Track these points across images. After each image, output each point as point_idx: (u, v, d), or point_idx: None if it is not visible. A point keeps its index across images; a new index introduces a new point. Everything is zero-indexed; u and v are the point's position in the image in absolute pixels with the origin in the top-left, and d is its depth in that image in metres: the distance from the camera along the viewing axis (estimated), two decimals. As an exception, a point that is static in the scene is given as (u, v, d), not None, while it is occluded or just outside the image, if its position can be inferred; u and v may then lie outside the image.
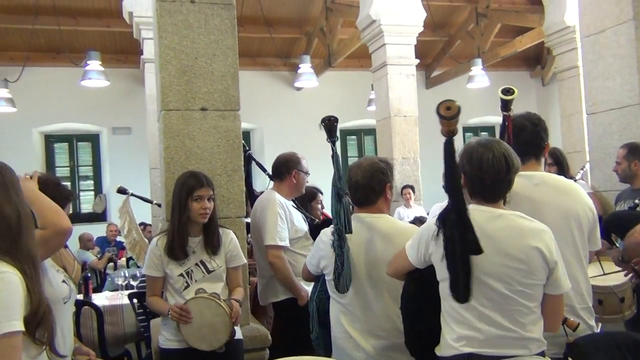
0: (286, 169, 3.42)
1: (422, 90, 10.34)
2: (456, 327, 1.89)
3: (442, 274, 1.93)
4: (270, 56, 10.07)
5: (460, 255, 1.83)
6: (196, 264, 2.70)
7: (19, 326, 1.53)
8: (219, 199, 3.07)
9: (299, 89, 10.10)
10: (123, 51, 9.30)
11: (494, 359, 1.83)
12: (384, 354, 2.32)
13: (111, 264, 7.45)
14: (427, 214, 6.99)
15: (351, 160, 11.02)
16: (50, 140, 9.83)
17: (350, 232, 2.31)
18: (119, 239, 7.99)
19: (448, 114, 1.81)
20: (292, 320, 3.21)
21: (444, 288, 1.93)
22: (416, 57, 7.02)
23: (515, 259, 1.84)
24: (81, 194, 9.98)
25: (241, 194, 3.17)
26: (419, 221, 5.79)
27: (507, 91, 2.19)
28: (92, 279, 5.21)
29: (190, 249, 2.69)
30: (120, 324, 4.45)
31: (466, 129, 11.14)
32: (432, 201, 7.92)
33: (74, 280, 2.45)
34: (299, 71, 8.36)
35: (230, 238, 2.80)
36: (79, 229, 8.61)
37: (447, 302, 1.93)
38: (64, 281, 2.19)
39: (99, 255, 7.67)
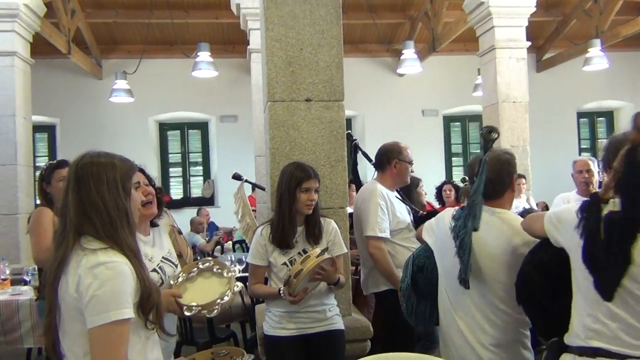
0: (386, 159, 3.39)
1: (533, 73, 9.80)
2: (586, 319, 1.84)
3: (579, 264, 1.84)
4: (373, 42, 9.98)
5: (614, 260, 1.74)
6: (299, 253, 2.74)
7: (129, 314, 1.62)
8: (322, 189, 3.09)
9: (401, 75, 9.94)
10: (231, 42, 9.62)
11: (620, 357, 1.76)
12: (492, 350, 2.27)
13: (218, 247, 7.79)
14: (537, 205, 6.67)
15: (455, 148, 10.73)
16: (164, 128, 10.39)
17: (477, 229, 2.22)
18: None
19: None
20: (392, 311, 3.18)
21: (579, 277, 1.86)
22: (527, 39, 6.66)
23: None
24: (191, 179, 10.48)
25: (344, 184, 3.18)
26: (527, 214, 5.52)
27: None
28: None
29: (295, 239, 2.73)
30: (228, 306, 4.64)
31: (581, 115, 10.47)
32: (541, 192, 7.57)
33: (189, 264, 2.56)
34: (402, 57, 8.20)
35: (331, 227, 2.81)
36: (190, 213, 9.09)
37: (580, 293, 1.87)
38: (154, 270, 2.29)
39: (207, 239, 8.05)
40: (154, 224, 2.44)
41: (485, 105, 6.97)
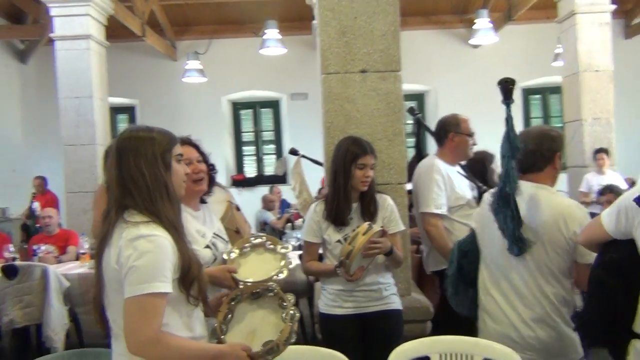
0: (444, 132, 3.21)
1: (620, 40, 9.10)
2: None
3: None
4: (446, 13, 9.60)
5: None
6: (354, 230, 2.65)
7: (165, 288, 1.60)
8: (379, 164, 2.98)
9: (476, 46, 9.53)
10: (299, 18, 9.56)
11: None
12: (530, 325, 2.22)
13: (289, 224, 7.85)
14: (625, 181, 6.20)
15: (534, 122, 10.20)
16: (236, 107, 10.54)
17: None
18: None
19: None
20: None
21: None
22: (612, 3, 6.15)
23: None
24: (264, 157, 10.60)
25: (402, 159, 3.05)
26: (609, 190, 5.14)
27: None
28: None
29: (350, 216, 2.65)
30: (292, 280, 4.64)
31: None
32: (628, 167, 7.05)
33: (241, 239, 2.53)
34: (475, 27, 7.84)
35: (387, 204, 2.70)
36: (263, 191, 9.21)
37: None
38: (207, 246, 2.27)
39: (279, 216, 8.13)
40: (202, 201, 2.43)
41: (565, 75, 6.55)
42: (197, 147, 2.42)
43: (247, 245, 2.34)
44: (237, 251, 2.31)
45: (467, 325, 2.76)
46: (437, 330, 3.03)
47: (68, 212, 6.28)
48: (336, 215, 2.62)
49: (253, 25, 8.54)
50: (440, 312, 3.16)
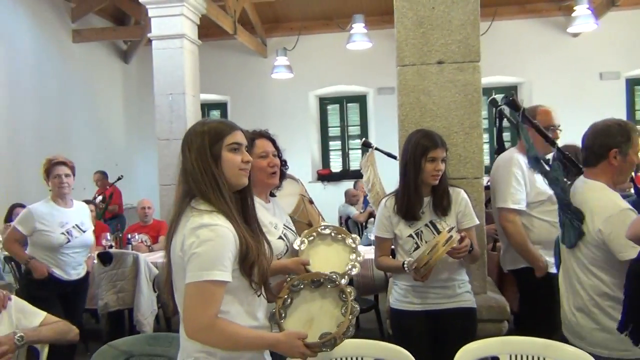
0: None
1: None
2: None
3: None
4: (542, 1, 9.14)
5: None
6: (426, 225, 2.60)
7: (223, 276, 1.63)
8: (455, 158, 2.91)
9: (575, 35, 8.99)
10: (385, 12, 9.46)
11: None
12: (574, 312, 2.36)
13: (372, 218, 7.82)
14: None
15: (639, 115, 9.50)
16: (323, 102, 10.63)
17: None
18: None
19: None
20: (530, 290, 2.92)
21: None
22: None
23: None
24: (350, 152, 10.62)
25: (480, 153, 2.95)
26: None
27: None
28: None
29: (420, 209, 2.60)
30: (370, 275, 4.63)
31: None
32: None
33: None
34: (573, 14, 7.39)
35: (461, 197, 2.62)
36: (348, 185, 9.23)
37: None
38: (280, 237, 2.30)
39: (362, 210, 8.12)
40: (272, 194, 2.47)
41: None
42: (273, 141, 2.46)
43: (313, 234, 2.34)
44: (305, 240, 2.32)
45: (548, 326, 2.64)
46: (518, 331, 2.91)
47: (161, 204, 6.62)
48: (407, 209, 2.58)
49: (340, 20, 8.56)
50: (522, 312, 3.03)
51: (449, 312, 2.57)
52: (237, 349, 1.73)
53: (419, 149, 2.56)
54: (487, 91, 9.50)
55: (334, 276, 1.94)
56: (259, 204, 2.34)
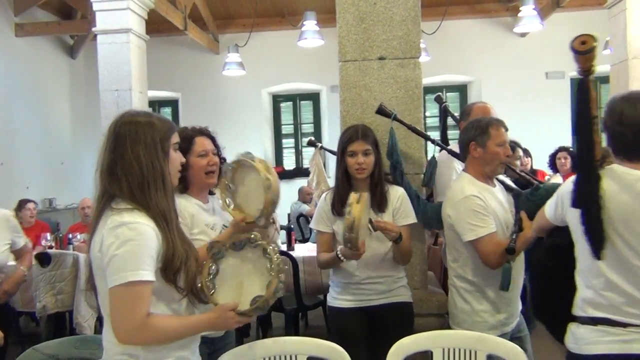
0: (463, 118, 3.09)
1: (678, 26, 8.61)
2: (585, 290, 1.87)
3: (578, 235, 1.87)
4: (491, 1, 9.31)
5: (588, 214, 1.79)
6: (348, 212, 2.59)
7: (147, 276, 1.58)
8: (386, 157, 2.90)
9: (522, 35, 9.20)
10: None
11: (620, 325, 1.78)
12: None
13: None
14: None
15: (584, 113, 9.78)
16: (277, 99, 10.56)
17: None
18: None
19: (582, 49, 1.62)
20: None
21: (579, 250, 1.89)
22: (667, -15, 5.80)
23: None
24: (303, 150, 10.59)
25: (420, 149, 2.97)
26: None
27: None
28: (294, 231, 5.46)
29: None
30: (318, 274, 4.60)
31: None
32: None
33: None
34: (519, 14, 7.55)
35: (398, 195, 2.62)
36: (299, 183, 9.20)
37: (580, 264, 1.90)
38: None
39: (315, 206, 8.09)
40: (211, 192, 2.42)
41: (613, 63, 6.23)
42: (213, 139, 2.40)
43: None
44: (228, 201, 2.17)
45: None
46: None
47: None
48: (336, 204, 2.57)
49: (292, 17, 8.50)
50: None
51: (385, 307, 2.58)
52: (176, 340, 1.68)
53: (340, 143, 2.58)
54: (438, 89, 9.63)
55: (253, 235, 1.87)
56: (196, 204, 2.28)
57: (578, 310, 1.89)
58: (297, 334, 4.64)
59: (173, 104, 10.57)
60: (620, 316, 1.78)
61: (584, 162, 1.79)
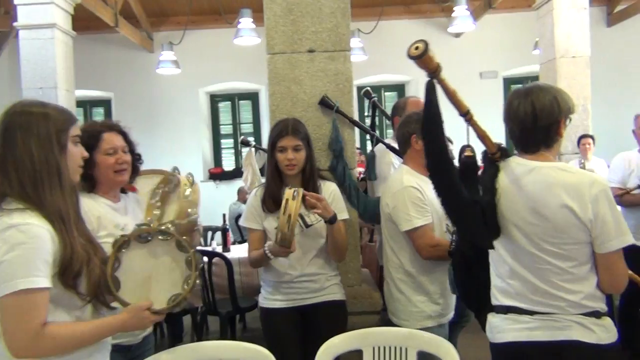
0: (392, 116, 3.07)
1: (602, 28, 8.98)
2: (495, 279, 1.91)
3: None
4: (426, 2, 9.44)
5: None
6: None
7: (41, 283, 1.43)
8: (327, 149, 2.84)
9: (457, 35, 9.37)
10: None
11: (527, 313, 1.80)
12: None
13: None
14: (608, 166, 6.11)
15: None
16: (215, 99, 10.35)
17: None
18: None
19: (415, 53, 1.68)
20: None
21: None
22: (593, -12, 6.01)
23: (541, 216, 1.76)
24: (243, 150, 10.42)
25: (352, 144, 2.90)
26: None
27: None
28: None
29: None
30: (255, 275, 4.49)
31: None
32: (604, 154, 6.93)
33: None
34: (453, 14, 7.68)
35: (330, 190, 2.55)
36: (239, 184, 9.03)
37: (490, 254, 1.93)
38: None
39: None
40: (123, 191, 2.26)
41: (541, 62, 6.41)
42: (124, 135, 2.25)
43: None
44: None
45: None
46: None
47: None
48: (267, 199, 2.47)
49: (228, 15, 8.33)
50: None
51: (317, 306, 2.50)
52: (81, 347, 1.53)
53: (270, 139, 2.51)
54: (376, 89, 9.70)
55: (164, 226, 1.75)
56: (105, 204, 2.13)
57: (493, 298, 1.92)
58: (233, 337, 4.51)
59: (105, 104, 10.18)
60: (528, 304, 1.79)
61: (435, 163, 1.80)
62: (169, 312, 1.67)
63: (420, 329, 2.37)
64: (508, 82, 9.92)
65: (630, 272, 2.00)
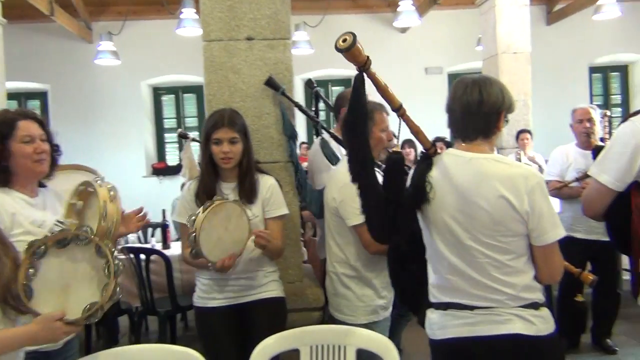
0: (337, 107, 3.00)
1: (542, 26, 9.20)
2: (433, 276, 1.87)
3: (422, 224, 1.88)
4: (373, -3, 9.46)
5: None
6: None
7: None
8: (267, 140, 2.74)
9: (403, 31, 9.42)
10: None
11: (467, 308, 1.77)
12: None
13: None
14: (545, 162, 6.26)
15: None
16: (157, 92, 10.05)
17: None
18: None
19: (343, 46, 1.65)
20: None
21: (425, 238, 1.89)
22: (532, -14, 6.13)
23: (479, 208, 1.73)
24: (192, 143, 10.15)
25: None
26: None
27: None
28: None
29: (223, 195, 2.38)
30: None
31: (593, 70, 9.82)
32: (544, 149, 7.11)
33: None
34: (398, 9, 7.70)
35: (268, 185, 2.45)
36: (183, 178, 8.80)
37: (427, 249, 1.90)
38: None
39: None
40: (42, 184, 2.10)
41: (484, 58, 6.51)
42: (42, 123, 2.08)
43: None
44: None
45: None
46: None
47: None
48: (201, 194, 2.36)
49: (171, 6, 8.08)
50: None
51: (254, 304, 2.40)
52: None
53: (204, 131, 2.39)
54: (323, 84, 9.64)
55: (85, 228, 1.63)
56: (20, 199, 1.97)
57: (431, 296, 1.89)
58: (173, 337, 4.35)
59: (41, 96, 9.71)
60: (468, 299, 1.77)
61: (356, 159, 1.76)
62: (85, 320, 1.52)
63: (367, 323, 2.36)
64: (452, 77, 10.05)
65: (565, 263, 2.03)
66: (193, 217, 2.15)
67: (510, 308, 1.74)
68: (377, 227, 1.82)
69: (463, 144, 1.84)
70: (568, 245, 1.99)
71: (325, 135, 3.04)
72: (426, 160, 1.83)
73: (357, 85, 1.72)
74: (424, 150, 1.87)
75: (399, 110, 1.78)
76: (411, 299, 2.01)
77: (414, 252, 1.93)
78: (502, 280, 1.74)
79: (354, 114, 1.71)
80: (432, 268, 1.88)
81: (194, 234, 2.08)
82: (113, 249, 1.59)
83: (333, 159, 2.89)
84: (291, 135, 2.70)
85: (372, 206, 1.78)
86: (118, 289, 1.53)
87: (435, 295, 1.85)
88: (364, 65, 1.69)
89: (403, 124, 1.85)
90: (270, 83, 2.70)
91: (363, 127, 1.71)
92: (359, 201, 2.32)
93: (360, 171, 1.77)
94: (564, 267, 2.02)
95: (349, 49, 1.63)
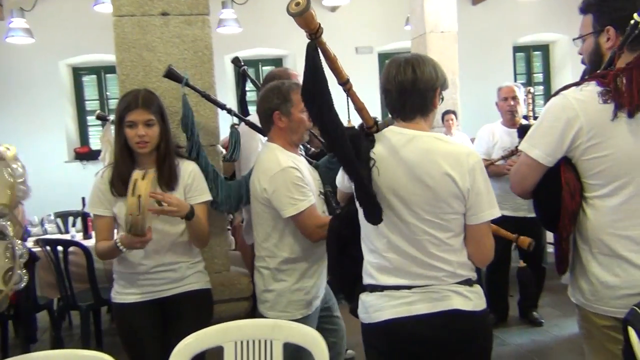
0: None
1: (468, 6, 9.33)
2: (370, 255, 1.84)
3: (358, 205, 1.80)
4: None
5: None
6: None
7: None
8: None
9: (333, 9, 9.31)
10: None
11: (404, 288, 1.76)
12: None
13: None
14: (472, 141, 6.36)
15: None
16: (78, 72, 9.53)
17: None
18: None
19: (296, 10, 1.52)
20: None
21: (360, 215, 1.81)
22: (457, -35, 6.16)
23: (423, 185, 1.72)
24: (112, 126, 9.72)
25: (215, 118, 2.67)
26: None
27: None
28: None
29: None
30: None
31: (517, 49, 10.08)
32: (471, 128, 7.25)
33: None
34: (327, -14, 7.59)
35: (189, 170, 2.31)
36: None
37: (363, 229, 1.87)
38: None
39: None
40: None
41: (412, 37, 6.52)
42: None
43: None
44: None
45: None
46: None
47: None
48: (116, 182, 2.19)
49: (88, -21, 7.61)
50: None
51: (177, 298, 2.28)
52: None
53: (117, 112, 2.23)
54: (253, 63, 9.42)
55: None
56: None
57: (366, 277, 1.84)
58: (98, 332, 4.15)
59: (-53, 78, 9.00)
60: (406, 278, 1.75)
61: (331, 137, 1.63)
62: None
63: (301, 318, 2.28)
64: (383, 57, 10.06)
65: (502, 230, 2.11)
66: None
67: (448, 284, 1.75)
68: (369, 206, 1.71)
69: (402, 122, 1.82)
70: (501, 224, 2.01)
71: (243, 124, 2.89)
72: (368, 137, 1.79)
73: (311, 53, 1.62)
74: (366, 128, 1.81)
75: (345, 84, 1.70)
76: (351, 285, 1.94)
77: (352, 235, 1.89)
78: (441, 257, 1.75)
79: (313, 82, 1.58)
80: (368, 247, 1.84)
81: (139, 201, 1.90)
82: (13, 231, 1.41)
83: (236, 155, 2.66)
84: (185, 132, 2.45)
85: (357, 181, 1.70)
86: (25, 276, 1.36)
87: (372, 275, 1.81)
88: (316, 32, 1.59)
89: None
90: (171, 74, 2.44)
91: (327, 95, 1.58)
92: (294, 189, 2.23)
93: (335, 143, 1.64)
94: (501, 234, 2.10)
95: (302, 14, 1.52)
